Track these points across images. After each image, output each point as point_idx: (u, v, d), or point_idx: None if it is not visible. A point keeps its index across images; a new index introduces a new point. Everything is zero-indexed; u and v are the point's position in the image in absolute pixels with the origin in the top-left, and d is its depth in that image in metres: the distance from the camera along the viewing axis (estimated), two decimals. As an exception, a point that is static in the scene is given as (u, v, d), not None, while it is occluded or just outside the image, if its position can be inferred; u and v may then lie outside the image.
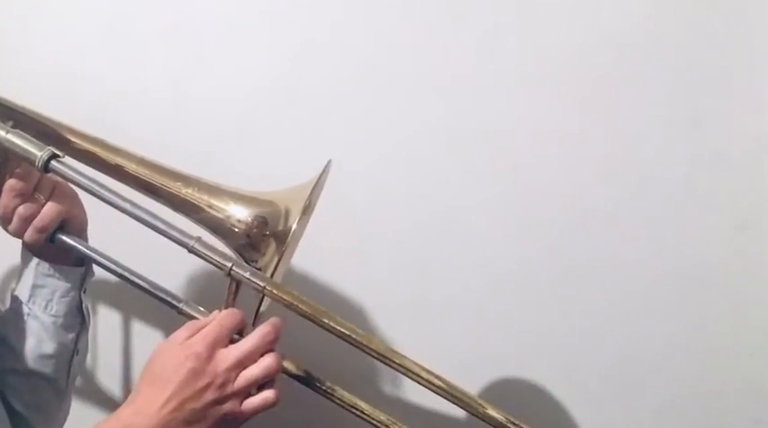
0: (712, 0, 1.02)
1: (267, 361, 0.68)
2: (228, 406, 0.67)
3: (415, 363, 0.71)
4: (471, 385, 1.01)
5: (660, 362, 1.11)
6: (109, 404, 1.15)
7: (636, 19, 1.03)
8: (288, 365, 0.73)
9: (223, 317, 0.69)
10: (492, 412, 0.71)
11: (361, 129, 1.08)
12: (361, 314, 1.12)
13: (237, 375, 0.67)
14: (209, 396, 0.66)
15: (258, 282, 0.70)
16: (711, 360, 1.10)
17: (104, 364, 1.12)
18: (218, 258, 0.70)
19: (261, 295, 0.71)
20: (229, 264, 0.70)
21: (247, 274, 0.70)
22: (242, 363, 0.67)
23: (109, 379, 1.15)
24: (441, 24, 1.05)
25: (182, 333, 0.69)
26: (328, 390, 0.73)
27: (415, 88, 1.06)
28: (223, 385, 0.66)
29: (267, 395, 0.69)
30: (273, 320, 0.70)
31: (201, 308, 0.74)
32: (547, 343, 1.12)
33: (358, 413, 0.73)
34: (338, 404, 0.73)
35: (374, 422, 0.73)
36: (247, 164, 1.04)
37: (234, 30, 1.06)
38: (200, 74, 1.07)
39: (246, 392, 0.68)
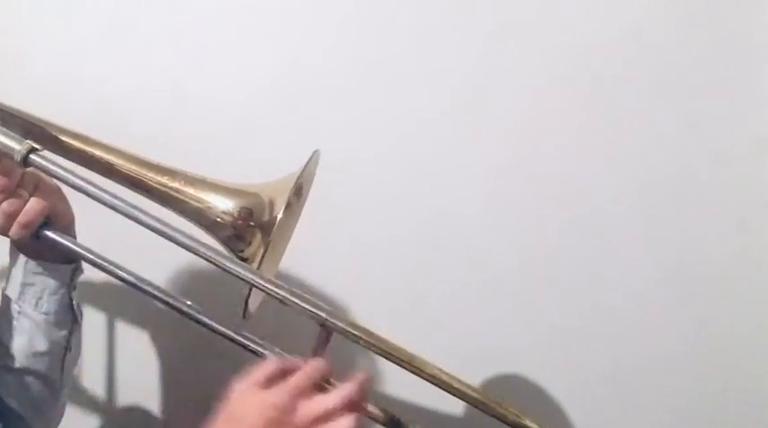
0: (712, 1, 1.02)
1: (345, 423, 0.65)
2: None
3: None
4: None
5: (659, 362, 1.10)
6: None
7: (635, 20, 1.03)
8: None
9: (311, 368, 0.68)
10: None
11: (362, 128, 1.08)
12: (358, 314, 1.10)
13: None
14: None
15: (354, 332, 0.69)
16: (711, 359, 1.09)
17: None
18: (311, 308, 0.69)
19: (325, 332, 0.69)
20: (323, 315, 0.68)
21: (342, 325, 0.69)
22: (320, 421, 0.65)
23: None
24: (441, 24, 1.05)
25: (263, 371, 0.67)
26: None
27: (416, 88, 1.06)
28: None
29: None
30: (361, 379, 0.68)
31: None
32: (545, 343, 1.11)
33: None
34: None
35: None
36: (248, 165, 1.03)
37: (234, 30, 1.07)
38: (200, 74, 1.08)
39: None
